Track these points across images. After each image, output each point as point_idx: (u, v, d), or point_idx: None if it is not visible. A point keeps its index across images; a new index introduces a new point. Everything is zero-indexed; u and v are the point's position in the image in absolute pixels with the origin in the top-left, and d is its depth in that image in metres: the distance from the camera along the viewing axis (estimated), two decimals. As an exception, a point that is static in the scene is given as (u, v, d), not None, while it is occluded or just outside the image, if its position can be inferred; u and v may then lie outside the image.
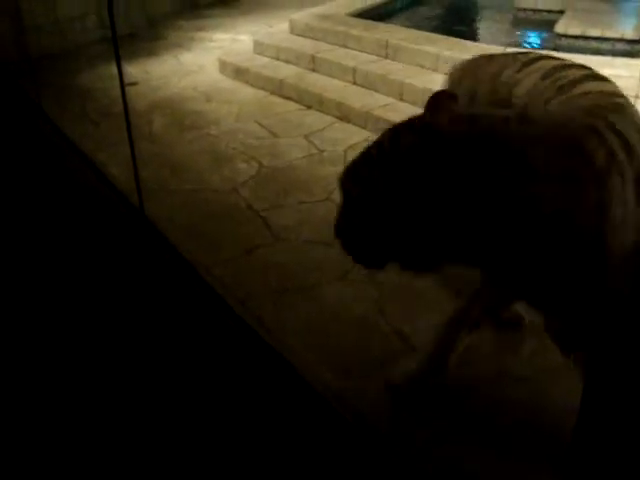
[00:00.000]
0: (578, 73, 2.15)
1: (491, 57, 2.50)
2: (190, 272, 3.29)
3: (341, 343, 2.77)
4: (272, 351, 2.71)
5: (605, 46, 6.23)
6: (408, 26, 6.84)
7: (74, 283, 3.28)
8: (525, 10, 7.83)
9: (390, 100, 5.22)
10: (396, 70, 5.53)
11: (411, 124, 1.74)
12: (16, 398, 2.54)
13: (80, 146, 4.94)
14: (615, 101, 1.96)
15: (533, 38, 7.36)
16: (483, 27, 8.18)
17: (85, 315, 3.03)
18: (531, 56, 2.36)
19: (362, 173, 1.77)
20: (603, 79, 2.14)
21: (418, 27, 6.80)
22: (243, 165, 4.41)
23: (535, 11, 7.82)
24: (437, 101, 1.79)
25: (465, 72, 2.52)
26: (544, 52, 2.57)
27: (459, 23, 8.20)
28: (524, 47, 6.77)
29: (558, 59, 2.31)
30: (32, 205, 4.05)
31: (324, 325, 2.89)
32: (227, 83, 6.28)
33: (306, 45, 6.37)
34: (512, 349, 2.69)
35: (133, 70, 6.38)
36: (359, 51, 6.04)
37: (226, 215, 3.81)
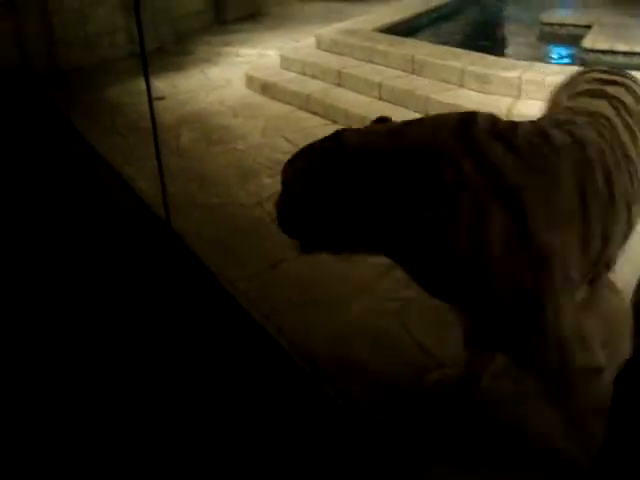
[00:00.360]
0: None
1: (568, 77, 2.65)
2: (215, 286, 3.31)
3: (364, 356, 2.77)
4: (295, 365, 2.72)
5: (634, 61, 6.19)
6: (434, 41, 6.86)
7: (103, 295, 3.33)
8: (551, 25, 7.79)
9: (416, 115, 5.16)
10: (422, 85, 5.54)
11: (336, 133, 2.05)
12: (43, 395, 2.58)
13: (108, 160, 5.02)
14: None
15: (559, 53, 7.34)
16: (509, 42, 8.17)
17: (112, 326, 3.07)
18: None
19: (297, 166, 2.09)
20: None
21: (444, 42, 6.81)
22: (269, 180, 4.43)
23: (561, 25, 7.78)
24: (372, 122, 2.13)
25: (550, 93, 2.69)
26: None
27: (485, 38, 8.19)
28: (550, 62, 6.76)
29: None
30: (61, 217, 4.11)
31: (347, 338, 2.90)
32: (254, 98, 6.34)
33: (332, 60, 6.42)
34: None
35: (161, 85, 6.46)
36: (385, 66, 6.06)
37: (251, 229, 3.84)
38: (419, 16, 8.42)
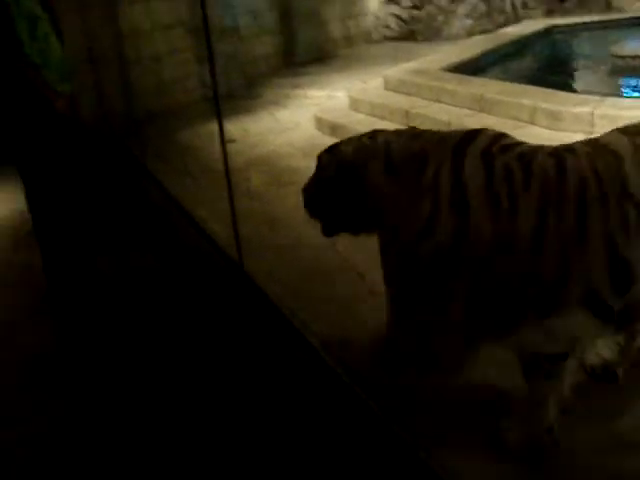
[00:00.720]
0: None
1: None
2: (288, 328, 3.32)
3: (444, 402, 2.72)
4: (373, 412, 2.69)
5: None
6: (502, 79, 6.84)
7: (177, 334, 3.39)
8: (623, 57, 7.65)
9: (486, 154, 5.19)
10: (492, 124, 5.46)
11: (373, 131, 2.56)
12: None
13: (181, 202, 5.15)
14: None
15: (632, 86, 7.18)
16: (580, 77, 8.06)
17: (185, 364, 3.12)
18: None
19: (334, 155, 2.61)
20: None
21: (513, 79, 6.78)
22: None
23: (634, 58, 7.63)
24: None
25: None
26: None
27: (555, 73, 8.11)
28: (622, 95, 6.63)
29: None
30: (136, 258, 4.22)
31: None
32: (323, 139, 6.37)
33: (400, 100, 6.46)
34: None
35: (232, 128, 6.61)
36: (453, 105, 6.06)
37: (323, 271, 3.85)
38: (487, 54, 8.41)
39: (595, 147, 2.25)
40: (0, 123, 3.59)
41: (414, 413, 2.61)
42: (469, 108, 5.92)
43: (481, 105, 5.87)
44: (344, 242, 4.12)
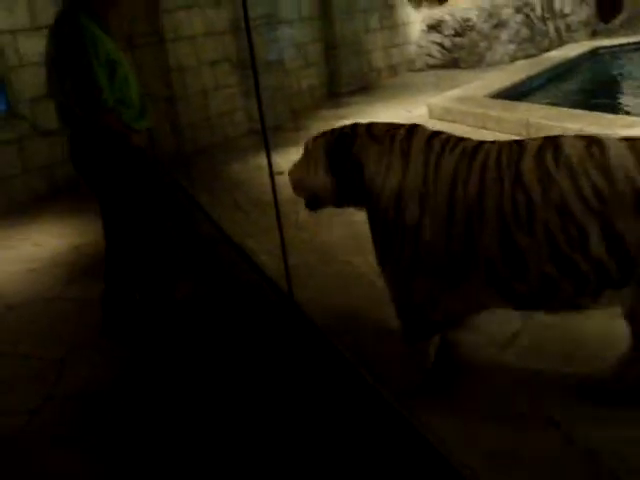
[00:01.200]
0: None
1: None
2: (339, 359, 3.34)
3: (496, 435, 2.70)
4: (426, 442, 2.68)
5: None
6: (548, 103, 6.81)
7: (229, 365, 3.43)
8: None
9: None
10: (539, 149, 5.48)
11: (354, 124, 3.04)
12: None
13: (230, 233, 5.24)
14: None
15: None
16: (626, 98, 7.98)
17: (239, 397, 3.16)
18: None
19: (320, 141, 3.08)
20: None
21: (558, 104, 6.76)
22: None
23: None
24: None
25: None
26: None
27: (601, 96, 8.05)
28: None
29: None
30: (185, 290, 4.29)
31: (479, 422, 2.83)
32: (368, 169, 6.46)
33: (445, 128, 6.43)
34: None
35: (279, 160, 6.67)
36: (499, 132, 6.05)
37: (373, 300, 3.85)
38: (531, 78, 8.42)
39: (512, 143, 2.62)
40: (79, 160, 3.77)
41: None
42: (515, 134, 5.90)
43: (527, 130, 5.86)
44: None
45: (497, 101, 6.86)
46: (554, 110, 6.23)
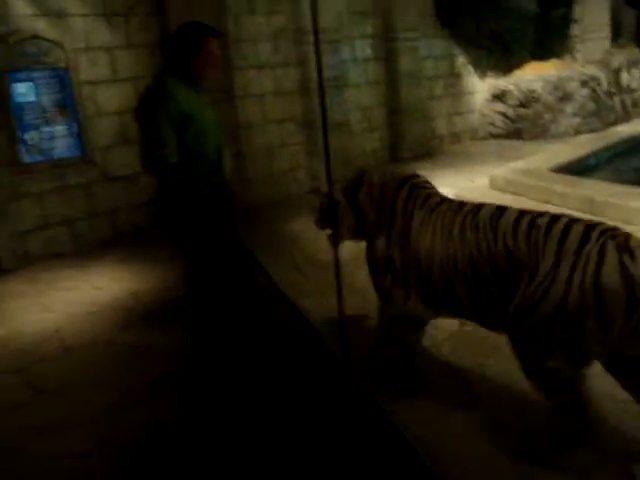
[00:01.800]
0: None
1: None
2: (390, 428, 3.30)
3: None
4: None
5: None
6: (614, 180, 6.72)
7: (278, 420, 3.42)
8: None
9: (596, 257, 5.05)
10: (602, 227, 5.39)
11: (362, 171, 3.88)
12: None
13: (287, 292, 5.27)
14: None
15: None
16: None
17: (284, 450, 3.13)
18: None
19: (338, 187, 3.82)
20: None
21: (624, 181, 6.65)
22: (444, 321, 4.43)
23: None
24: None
25: None
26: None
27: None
28: None
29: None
30: (241, 345, 4.31)
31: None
32: (428, 237, 6.45)
33: (507, 201, 6.37)
34: None
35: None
36: (563, 207, 5.96)
37: (430, 373, 3.81)
38: (596, 153, 8.33)
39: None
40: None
41: None
42: (579, 210, 5.81)
43: (591, 208, 5.78)
44: (448, 343, 4.12)
45: (561, 176, 6.79)
46: (620, 188, 6.12)
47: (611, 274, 2.55)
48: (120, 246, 7.28)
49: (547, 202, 6.15)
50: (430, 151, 11.24)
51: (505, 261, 2.89)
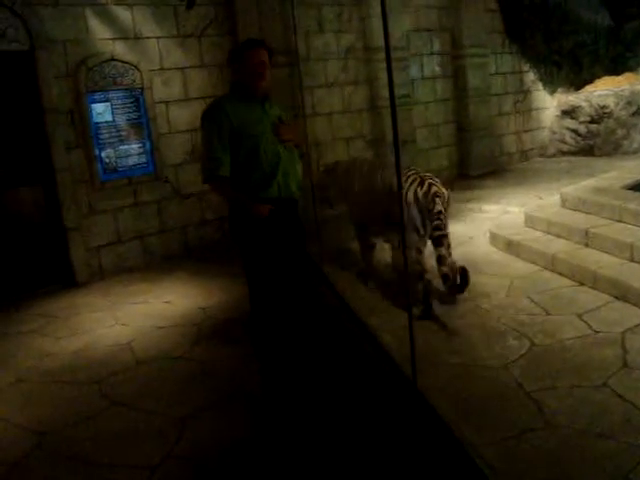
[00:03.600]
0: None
1: None
2: (458, 450, 3.26)
3: None
4: None
5: None
6: (691, 200, 6.49)
7: (342, 444, 3.42)
8: None
9: (669, 280, 4.90)
10: (677, 247, 5.22)
11: (336, 162, 6.65)
12: None
13: (355, 308, 5.28)
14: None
15: None
16: None
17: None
18: None
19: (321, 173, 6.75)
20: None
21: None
22: (514, 342, 4.37)
23: None
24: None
25: None
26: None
27: None
28: None
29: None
30: (306, 361, 4.33)
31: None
32: (498, 256, 6.38)
33: (579, 219, 6.30)
34: None
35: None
36: (637, 226, 5.80)
37: (496, 393, 3.76)
38: (672, 171, 8.06)
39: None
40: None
41: None
42: (654, 229, 5.67)
43: (666, 226, 5.61)
44: (519, 364, 4.05)
45: (636, 194, 6.57)
46: (698, 207, 5.93)
47: (415, 194, 5.04)
48: (190, 261, 7.44)
49: (620, 221, 5.99)
50: (499, 168, 11.13)
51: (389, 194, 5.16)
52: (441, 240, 4.93)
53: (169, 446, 3.60)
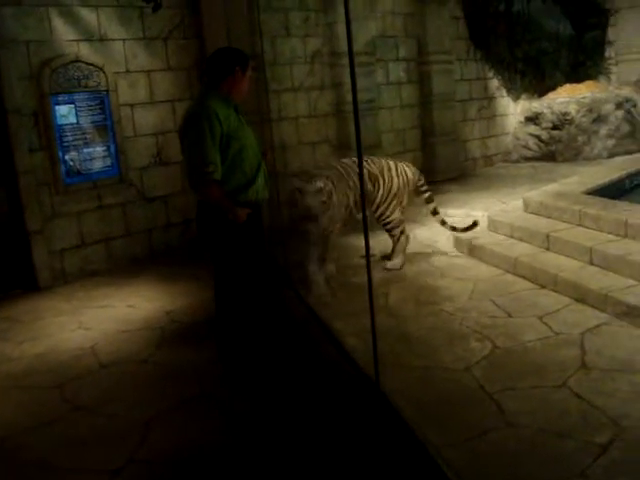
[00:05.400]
0: None
1: None
2: (421, 451, 3.30)
3: None
4: None
5: None
6: (649, 203, 6.63)
7: (306, 445, 3.44)
8: None
9: (630, 282, 5.00)
10: (637, 251, 5.30)
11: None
12: None
13: (318, 312, 5.30)
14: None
15: None
16: None
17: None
18: None
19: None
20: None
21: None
22: (477, 344, 4.43)
23: None
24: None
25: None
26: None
27: None
28: None
29: None
30: (270, 366, 4.34)
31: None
32: (461, 259, 6.45)
33: (540, 223, 6.41)
34: None
35: (371, 243, 6.72)
36: (596, 230, 5.92)
37: (458, 395, 3.81)
38: (631, 176, 8.23)
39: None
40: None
41: None
42: (613, 233, 5.77)
43: (626, 231, 5.72)
44: (480, 365, 4.11)
45: (596, 198, 6.72)
46: (656, 212, 6.05)
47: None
48: (154, 265, 7.39)
49: (580, 225, 6.11)
50: (463, 173, 11.26)
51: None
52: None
53: (132, 450, 3.58)
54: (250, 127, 4.19)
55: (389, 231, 6.39)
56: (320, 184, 5.58)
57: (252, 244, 4.07)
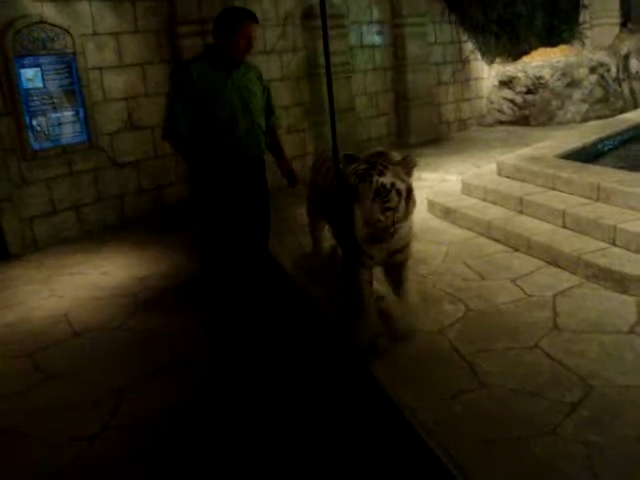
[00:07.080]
0: None
1: None
2: (395, 413, 3.32)
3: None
4: None
5: None
6: (621, 167, 6.67)
7: (282, 406, 3.45)
8: None
9: (602, 245, 5.05)
10: (609, 214, 5.35)
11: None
12: None
13: (296, 280, 5.29)
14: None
15: None
16: None
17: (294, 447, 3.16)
18: None
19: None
20: None
21: (632, 168, 6.60)
22: (450, 307, 4.46)
23: None
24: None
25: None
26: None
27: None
28: None
29: None
30: (249, 330, 4.33)
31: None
32: (435, 223, 6.46)
33: (514, 187, 6.43)
34: None
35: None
36: (569, 194, 5.95)
37: (432, 357, 3.84)
38: (603, 140, 8.27)
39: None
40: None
41: None
42: (585, 197, 5.81)
43: (598, 194, 5.75)
44: (454, 328, 4.14)
45: (568, 162, 6.73)
46: (627, 175, 6.06)
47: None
48: (127, 232, 7.31)
49: (553, 188, 6.14)
50: (437, 137, 11.23)
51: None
52: None
53: (107, 416, 3.57)
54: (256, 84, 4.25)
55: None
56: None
57: (238, 200, 4.15)
